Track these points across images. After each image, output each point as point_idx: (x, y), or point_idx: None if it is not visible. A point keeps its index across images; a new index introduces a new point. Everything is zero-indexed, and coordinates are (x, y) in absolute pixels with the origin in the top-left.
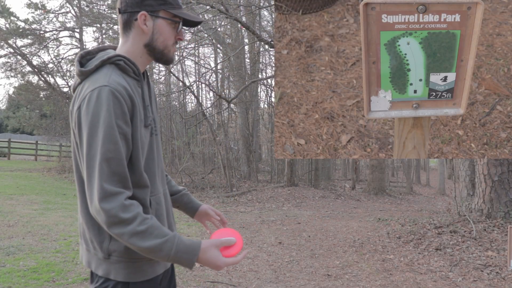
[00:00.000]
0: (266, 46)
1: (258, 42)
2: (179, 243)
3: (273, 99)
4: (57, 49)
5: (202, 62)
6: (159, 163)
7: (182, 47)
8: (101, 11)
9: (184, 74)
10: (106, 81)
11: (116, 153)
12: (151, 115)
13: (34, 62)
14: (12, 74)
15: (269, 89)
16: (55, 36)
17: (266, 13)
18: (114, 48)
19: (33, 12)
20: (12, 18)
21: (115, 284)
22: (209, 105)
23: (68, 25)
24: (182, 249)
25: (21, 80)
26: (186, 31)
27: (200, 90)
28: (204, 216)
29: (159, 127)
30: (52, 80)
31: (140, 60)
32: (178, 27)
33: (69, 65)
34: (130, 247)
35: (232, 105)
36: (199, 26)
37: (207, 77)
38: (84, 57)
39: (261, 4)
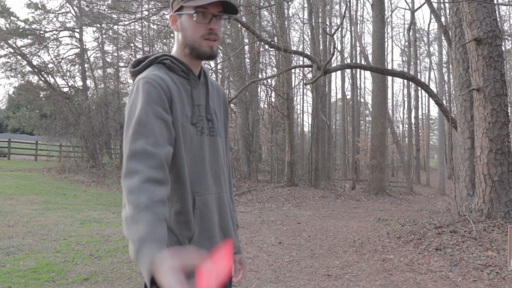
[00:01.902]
0: (266, 46)
1: (258, 42)
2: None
3: (273, 99)
4: (57, 49)
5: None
6: (213, 164)
7: None
8: (101, 11)
9: None
10: (145, 74)
11: (148, 128)
12: (202, 115)
13: (34, 62)
14: (12, 74)
15: (269, 89)
16: (55, 36)
17: (266, 13)
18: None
19: (33, 12)
20: (12, 18)
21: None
22: None
23: (68, 25)
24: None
25: (21, 80)
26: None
27: None
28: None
29: (219, 129)
30: (52, 80)
31: (188, 60)
32: (208, 17)
33: (69, 65)
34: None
35: (232, 105)
36: None
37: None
38: (141, 62)
39: (261, 4)
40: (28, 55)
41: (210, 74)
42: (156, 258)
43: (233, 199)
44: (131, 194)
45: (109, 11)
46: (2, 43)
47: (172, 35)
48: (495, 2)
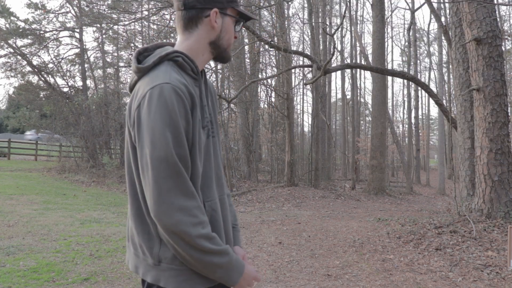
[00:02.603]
0: (266, 46)
1: (258, 42)
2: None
3: (273, 99)
4: (57, 49)
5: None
6: (215, 167)
7: None
8: (101, 11)
9: None
10: (167, 78)
11: (186, 158)
12: (208, 116)
13: (34, 62)
14: (12, 74)
15: (269, 89)
16: (55, 36)
17: (266, 13)
18: (172, 45)
19: (33, 12)
20: (12, 18)
21: None
22: None
23: (68, 25)
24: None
25: (21, 80)
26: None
27: None
28: None
29: (217, 130)
30: (52, 80)
31: (202, 58)
32: (238, 25)
33: (69, 65)
34: (185, 257)
35: (232, 105)
36: None
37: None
38: (142, 54)
39: (261, 4)
40: (28, 55)
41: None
42: (244, 266)
43: (229, 195)
44: (190, 228)
45: (109, 11)
46: (2, 43)
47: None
48: (495, 2)
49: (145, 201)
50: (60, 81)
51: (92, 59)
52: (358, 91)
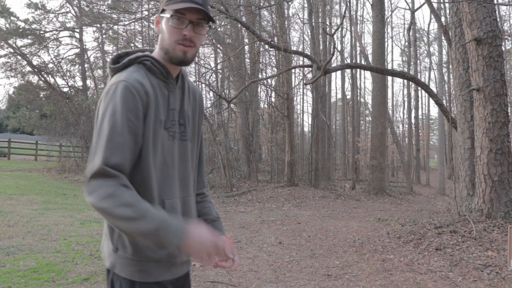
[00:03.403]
0: (266, 46)
1: (258, 42)
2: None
3: (273, 99)
4: (57, 49)
5: (202, 62)
6: (181, 169)
7: None
8: (101, 11)
9: None
10: (126, 77)
11: (120, 143)
12: (175, 119)
13: (34, 62)
14: (12, 74)
15: (269, 89)
16: (55, 36)
17: (266, 13)
18: (151, 51)
19: (33, 12)
20: (12, 18)
21: (123, 280)
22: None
23: (68, 25)
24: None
25: (21, 80)
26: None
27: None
28: None
29: (193, 134)
30: (52, 80)
31: (166, 63)
32: (184, 23)
33: (69, 65)
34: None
35: (232, 105)
36: None
37: (207, 77)
38: (122, 57)
39: (261, 4)
40: (28, 55)
41: (188, 76)
42: (185, 227)
43: (208, 195)
44: (111, 198)
45: (109, 11)
46: (2, 43)
47: None
48: (495, 2)
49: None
50: (60, 81)
51: (92, 59)
52: (358, 91)
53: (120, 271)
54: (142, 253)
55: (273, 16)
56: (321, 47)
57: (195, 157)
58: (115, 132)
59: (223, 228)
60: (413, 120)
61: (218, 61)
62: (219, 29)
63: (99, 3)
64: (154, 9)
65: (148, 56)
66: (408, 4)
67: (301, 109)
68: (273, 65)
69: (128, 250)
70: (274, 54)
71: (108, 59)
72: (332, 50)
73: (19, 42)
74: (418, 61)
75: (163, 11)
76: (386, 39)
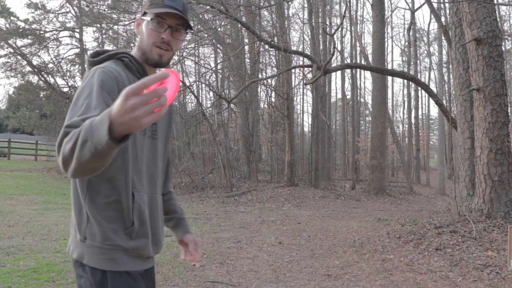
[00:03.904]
0: (266, 46)
1: (258, 42)
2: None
3: (273, 99)
4: (57, 49)
5: (202, 62)
6: (149, 166)
7: (182, 47)
8: (101, 11)
9: (184, 74)
10: (104, 66)
11: (90, 105)
12: None
13: (34, 62)
14: (12, 74)
15: (269, 89)
16: (55, 36)
17: (266, 13)
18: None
19: (33, 12)
20: (12, 18)
21: (92, 271)
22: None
23: (68, 25)
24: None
25: (21, 80)
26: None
27: (200, 90)
28: (185, 245)
29: (162, 135)
30: (52, 80)
31: (143, 63)
32: (163, 27)
33: (69, 65)
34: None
35: (232, 105)
36: (199, 26)
37: (207, 77)
38: (101, 54)
39: (261, 4)
40: (28, 55)
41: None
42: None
43: (171, 192)
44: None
45: (109, 11)
46: (2, 43)
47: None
48: (495, 2)
49: (82, 180)
50: (60, 81)
51: None
52: (358, 91)
53: (89, 261)
54: (111, 240)
55: (273, 16)
56: (321, 47)
57: (164, 158)
58: (89, 108)
59: (188, 224)
60: (413, 120)
61: (218, 61)
62: (219, 29)
63: (99, 3)
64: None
65: (127, 53)
66: (408, 4)
67: (301, 109)
68: (273, 65)
69: (97, 238)
70: (274, 54)
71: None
72: (332, 50)
73: (19, 42)
74: (418, 61)
75: (144, 14)
76: (386, 39)
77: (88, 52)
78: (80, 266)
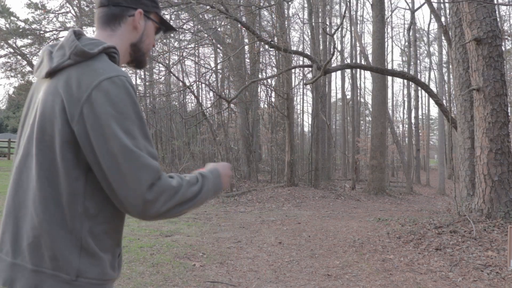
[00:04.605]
0: (266, 46)
1: (258, 42)
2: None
3: (273, 99)
4: None
5: (202, 62)
6: None
7: (182, 47)
8: None
9: (184, 74)
10: (119, 70)
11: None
12: None
13: (34, 62)
14: (12, 74)
15: (269, 89)
16: (55, 36)
17: (266, 13)
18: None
19: (33, 12)
20: (12, 18)
21: None
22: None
23: (68, 25)
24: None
25: (21, 80)
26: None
27: (200, 90)
28: None
29: None
30: None
31: (122, 59)
32: (158, 33)
33: None
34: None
35: (232, 105)
36: (199, 26)
37: (207, 77)
38: (79, 35)
39: (261, 4)
40: (28, 55)
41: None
42: (217, 170)
43: None
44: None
45: None
46: (2, 43)
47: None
48: (495, 2)
49: (73, 204)
50: None
51: None
52: (358, 91)
53: None
54: (107, 274)
55: (273, 16)
56: (321, 47)
57: None
58: (150, 141)
59: None
60: (413, 120)
61: (218, 61)
62: (219, 29)
63: None
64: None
65: (115, 48)
66: (408, 4)
67: (301, 109)
68: (273, 65)
69: (92, 273)
70: (274, 54)
71: (71, 34)
72: (332, 50)
73: (19, 42)
74: (418, 61)
75: (148, 12)
76: (386, 39)
77: (74, 33)
78: None
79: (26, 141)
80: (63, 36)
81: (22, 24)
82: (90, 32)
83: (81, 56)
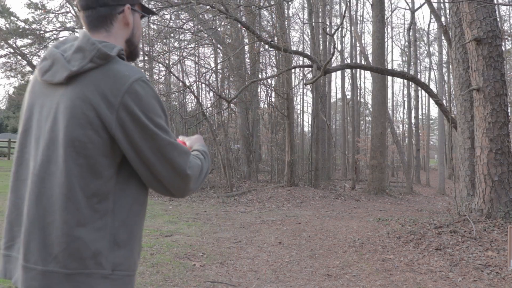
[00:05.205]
0: (266, 46)
1: (258, 42)
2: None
3: (273, 99)
4: None
5: (202, 62)
6: None
7: (182, 47)
8: None
9: (184, 74)
10: (137, 70)
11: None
12: None
13: (34, 62)
14: (12, 74)
15: (269, 89)
16: (55, 36)
17: (266, 13)
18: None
19: (33, 12)
20: (12, 18)
21: None
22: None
23: (68, 25)
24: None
25: (21, 80)
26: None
27: (200, 90)
28: None
29: None
30: None
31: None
32: (144, 20)
33: None
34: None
35: (232, 105)
36: (199, 26)
37: (207, 77)
38: (109, 47)
39: (261, 4)
40: (28, 55)
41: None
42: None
43: None
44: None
45: None
46: (2, 43)
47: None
48: (495, 2)
49: (105, 203)
50: None
51: None
52: (358, 91)
53: None
54: (136, 265)
55: (273, 16)
56: (321, 47)
57: None
58: (167, 120)
59: None
60: (413, 120)
61: (218, 61)
62: (219, 29)
63: None
64: (154, 9)
65: (123, 49)
66: (408, 4)
67: (301, 109)
68: (273, 65)
69: (123, 266)
70: (274, 54)
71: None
72: (332, 50)
73: (19, 42)
74: (418, 61)
75: (133, 4)
76: (386, 39)
77: (93, 41)
78: None
79: (45, 148)
80: (63, 36)
81: (22, 24)
82: None
83: (103, 59)
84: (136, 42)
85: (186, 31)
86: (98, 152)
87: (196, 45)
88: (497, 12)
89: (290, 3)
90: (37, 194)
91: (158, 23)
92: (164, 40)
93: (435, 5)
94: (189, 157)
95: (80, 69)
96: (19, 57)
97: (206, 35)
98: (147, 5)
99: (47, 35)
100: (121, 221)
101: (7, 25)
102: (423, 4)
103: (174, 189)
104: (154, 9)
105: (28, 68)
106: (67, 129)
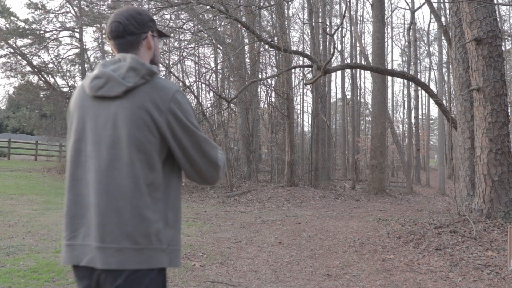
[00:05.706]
0: (266, 46)
1: (258, 42)
2: None
3: (273, 99)
4: (57, 49)
5: (202, 62)
6: None
7: (182, 47)
8: (101, 11)
9: (184, 74)
10: (173, 83)
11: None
12: None
13: (34, 62)
14: (12, 74)
15: (269, 89)
16: (55, 36)
17: (266, 13)
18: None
19: (33, 12)
20: (12, 18)
21: (160, 272)
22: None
23: (68, 25)
24: None
25: (21, 80)
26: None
27: (200, 90)
28: None
29: None
30: (52, 80)
31: None
32: (160, 41)
33: (69, 65)
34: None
35: (232, 105)
36: (199, 26)
37: (207, 77)
38: (150, 68)
39: (261, 4)
40: (28, 55)
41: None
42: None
43: None
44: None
45: (109, 11)
46: (2, 43)
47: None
48: (495, 2)
49: (158, 191)
50: (60, 81)
51: (92, 59)
52: (358, 91)
53: (170, 263)
54: (181, 241)
55: (273, 16)
56: (321, 47)
57: None
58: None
59: None
60: (413, 120)
61: (218, 61)
62: (219, 29)
63: (99, 3)
64: (154, 9)
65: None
66: (408, 4)
67: (301, 109)
68: (273, 65)
69: (175, 241)
70: (274, 54)
71: (144, 65)
72: (332, 50)
73: (19, 42)
74: (418, 61)
75: (152, 31)
76: (386, 39)
77: (145, 66)
78: (147, 273)
79: (109, 148)
80: (63, 36)
81: (22, 24)
82: (90, 31)
83: (151, 76)
84: (157, 61)
85: (186, 31)
86: (153, 149)
87: (196, 45)
88: (497, 12)
89: (290, 3)
90: (106, 185)
91: (158, 23)
92: (164, 40)
93: (435, 5)
94: (218, 150)
95: (134, 85)
96: (19, 57)
97: (206, 35)
98: (159, 27)
99: (47, 35)
100: (170, 206)
101: (7, 25)
102: (423, 4)
103: (208, 177)
104: (154, 9)
105: (28, 68)
106: (129, 132)
